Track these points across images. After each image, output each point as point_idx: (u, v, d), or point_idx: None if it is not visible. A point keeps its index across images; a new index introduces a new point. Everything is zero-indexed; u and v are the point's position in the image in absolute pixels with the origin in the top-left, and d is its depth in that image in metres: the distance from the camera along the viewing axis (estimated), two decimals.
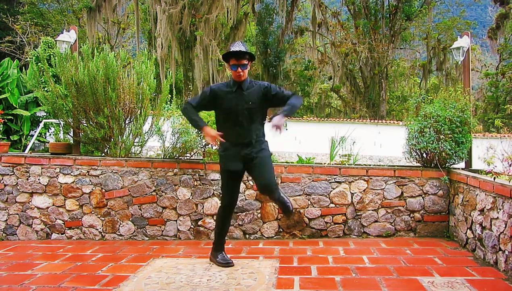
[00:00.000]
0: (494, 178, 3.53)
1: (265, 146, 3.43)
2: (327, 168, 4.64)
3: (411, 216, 4.54)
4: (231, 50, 3.26)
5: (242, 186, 4.46)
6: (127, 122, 5.11)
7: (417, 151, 4.71)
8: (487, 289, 2.87)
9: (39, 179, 4.75)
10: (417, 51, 24.26)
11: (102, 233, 4.69)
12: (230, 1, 17.84)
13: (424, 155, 4.68)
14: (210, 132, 3.28)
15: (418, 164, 4.83)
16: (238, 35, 19.53)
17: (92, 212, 4.70)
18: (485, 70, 25.11)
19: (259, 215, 4.59)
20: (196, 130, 4.78)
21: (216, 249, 3.57)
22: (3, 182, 4.78)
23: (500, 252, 3.25)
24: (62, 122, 5.58)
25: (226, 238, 3.65)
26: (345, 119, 17.86)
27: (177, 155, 4.86)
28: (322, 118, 17.82)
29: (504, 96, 23.45)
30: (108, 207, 4.69)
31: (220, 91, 3.34)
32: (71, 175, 4.73)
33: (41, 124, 7.53)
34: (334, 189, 4.58)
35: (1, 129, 5.75)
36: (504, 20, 20.55)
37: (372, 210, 4.55)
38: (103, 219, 4.69)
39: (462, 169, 4.85)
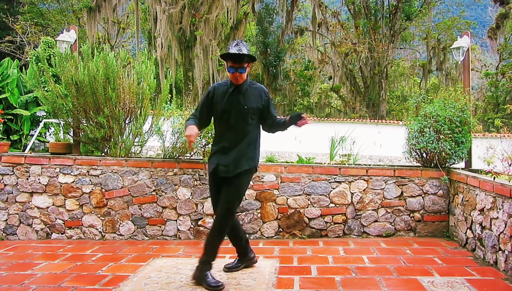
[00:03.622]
0: (494, 178, 3.54)
1: (253, 162, 3.15)
2: (327, 167, 4.64)
3: (411, 215, 4.54)
4: (229, 51, 3.00)
5: None
6: (127, 122, 5.11)
7: (417, 150, 4.71)
8: (487, 289, 2.87)
9: (39, 179, 4.75)
10: (417, 51, 24.26)
11: (102, 233, 4.69)
12: (230, 1, 17.86)
13: (424, 155, 4.69)
14: (187, 130, 2.99)
15: (418, 164, 4.84)
16: (238, 35, 19.55)
17: (92, 212, 4.70)
18: (485, 70, 25.12)
19: (259, 215, 4.59)
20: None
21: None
22: (3, 182, 4.78)
23: (500, 251, 3.25)
24: (62, 122, 5.58)
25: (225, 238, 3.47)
26: (345, 119, 17.87)
27: (177, 155, 4.86)
28: (322, 118, 17.81)
29: (504, 96, 23.47)
30: (108, 206, 4.69)
31: (218, 90, 3.18)
32: (71, 175, 4.73)
33: (41, 124, 7.54)
34: (334, 188, 4.58)
35: (1, 129, 5.76)
36: (504, 20, 20.56)
37: (372, 210, 4.55)
38: (103, 218, 4.69)
39: (462, 168, 4.85)
